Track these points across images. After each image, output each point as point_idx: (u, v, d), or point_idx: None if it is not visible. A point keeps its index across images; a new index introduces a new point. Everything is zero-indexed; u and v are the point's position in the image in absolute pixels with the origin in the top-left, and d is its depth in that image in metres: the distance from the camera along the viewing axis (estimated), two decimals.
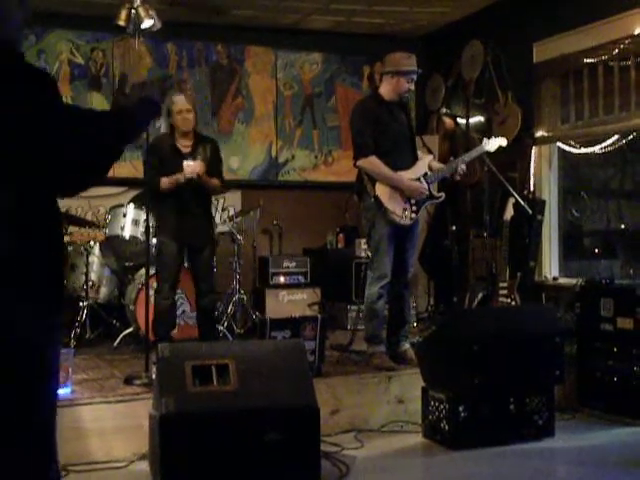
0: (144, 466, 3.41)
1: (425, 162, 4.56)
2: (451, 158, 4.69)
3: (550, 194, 6.05)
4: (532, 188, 6.01)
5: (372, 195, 4.37)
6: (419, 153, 4.65)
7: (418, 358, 4.19)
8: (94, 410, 3.64)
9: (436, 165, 4.60)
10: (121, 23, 5.09)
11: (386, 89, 4.51)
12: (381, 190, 4.37)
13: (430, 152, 4.69)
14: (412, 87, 4.55)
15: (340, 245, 6.87)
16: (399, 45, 7.20)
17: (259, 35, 6.97)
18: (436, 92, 7.16)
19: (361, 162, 4.40)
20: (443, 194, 4.61)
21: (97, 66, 6.59)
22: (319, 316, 4.34)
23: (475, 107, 6.69)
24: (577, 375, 4.52)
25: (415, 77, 4.54)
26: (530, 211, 5.38)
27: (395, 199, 4.39)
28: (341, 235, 6.88)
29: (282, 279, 6.25)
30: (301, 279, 6.28)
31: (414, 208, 4.44)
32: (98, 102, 6.58)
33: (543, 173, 6.07)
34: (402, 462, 3.68)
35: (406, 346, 4.55)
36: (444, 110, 6.95)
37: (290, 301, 6.13)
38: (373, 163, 4.36)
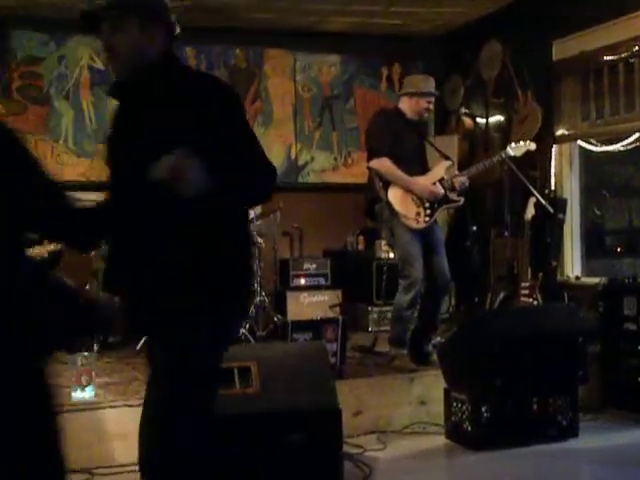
0: None
1: (442, 167, 4.58)
2: (462, 173, 4.69)
3: (571, 193, 6.00)
4: (553, 187, 5.96)
5: (384, 200, 4.38)
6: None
7: (440, 359, 4.18)
8: (117, 413, 3.66)
9: (451, 172, 4.64)
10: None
11: (407, 108, 4.59)
12: (393, 194, 4.39)
13: (448, 158, 4.70)
14: (431, 107, 4.62)
15: (360, 247, 6.86)
16: (417, 46, 7.24)
17: (277, 38, 6.99)
18: (455, 92, 7.13)
19: (373, 163, 4.44)
20: (462, 199, 4.61)
21: None
22: (340, 318, 4.35)
23: (494, 107, 6.65)
24: (601, 375, 4.49)
25: (433, 99, 4.62)
26: (551, 210, 5.34)
27: (407, 203, 4.40)
28: (361, 237, 6.87)
29: (303, 281, 6.25)
30: (322, 281, 6.28)
31: (428, 212, 4.45)
32: None
33: (564, 172, 6.03)
34: (425, 463, 3.67)
35: (429, 348, 4.55)
36: (463, 110, 6.93)
37: (311, 303, 6.12)
38: (385, 164, 4.39)
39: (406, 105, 4.58)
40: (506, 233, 5.57)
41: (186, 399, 2.10)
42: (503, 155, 4.74)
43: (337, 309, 6.06)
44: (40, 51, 6.44)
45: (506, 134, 6.35)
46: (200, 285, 2.06)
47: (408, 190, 4.42)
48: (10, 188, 1.86)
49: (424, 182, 4.47)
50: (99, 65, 6.59)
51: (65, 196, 1.99)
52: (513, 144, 4.77)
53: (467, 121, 6.99)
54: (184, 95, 2.07)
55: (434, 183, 4.49)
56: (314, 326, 4.13)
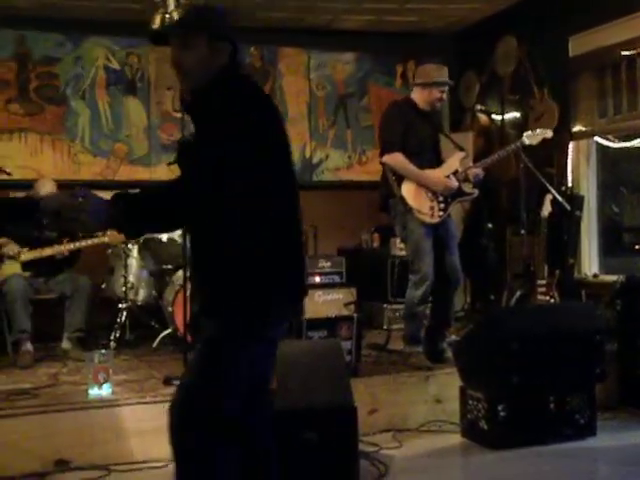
0: None
1: (456, 159, 4.55)
2: (476, 165, 4.66)
3: (589, 189, 5.96)
4: (570, 184, 5.93)
5: (398, 195, 4.37)
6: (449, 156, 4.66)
7: (455, 357, 4.16)
8: (134, 410, 3.68)
9: (465, 164, 4.61)
10: (156, 28, 5.14)
11: (420, 99, 4.55)
12: (406, 189, 4.37)
13: (462, 149, 4.67)
14: (444, 97, 4.56)
15: (375, 244, 6.86)
16: (432, 43, 7.21)
17: (292, 36, 6.99)
18: (470, 89, 7.10)
19: (386, 158, 4.42)
20: (476, 191, 4.58)
21: (133, 71, 6.67)
22: (355, 316, 4.34)
23: (510, 103, 6.62)
24: (618, 373, 4.45)
25: (447, 88, 4.56)
26: (568, 207, 5.31)
27: (421, 197, 4.38)
28: (376, 234, 6.86)
29: (317, 279, 6.22)
30: (337, 279, 6.25)
31: (442, 205, 4.43)
32: (134, 107, 6.67)
33: (581, 168, 5.99)
34: (441, 462, 3.66)
35: (444, 345, 4.53)
36: (479, 107, 6.89)
37: (326, 301, 6.10)
38: (398, 159, 4.37)
39: (418, 95, 4.54)
40: (522, 230, 5.52)
41: (198, 389, 2.18)
42: (518, 144, 4.70)
43: (352, 307, 6.06)
44: (56, 52, 6.48)
45: (522, 131, 6.30)
46: (206, 283, 2.21)
47: (421, 184, 4.40)
48: None
49: (437, 175, 4.45)
50: (115, 65, 6.63)
51: None
52: (529, 132, 4.72)
53: (482, 118, 6.96)
54: (227, 110, 2.12)
55: (448, 176, 4.47)
56: (329, 324, 4.13)
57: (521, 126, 6.38)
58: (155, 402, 3.73)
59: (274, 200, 2.19)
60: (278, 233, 2.20)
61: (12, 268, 4.97)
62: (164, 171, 6.63)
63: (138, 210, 2.09)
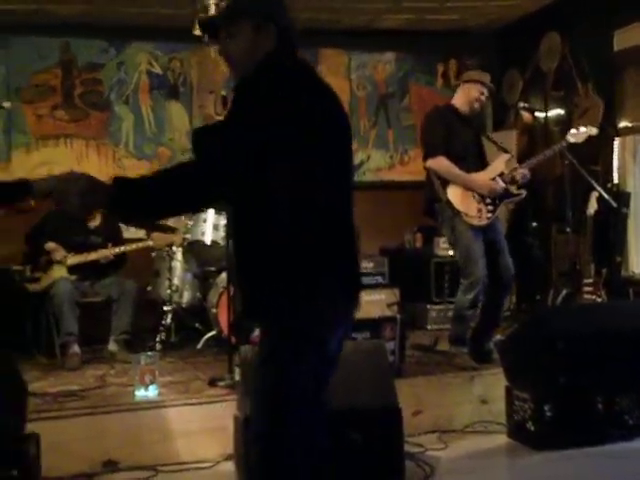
0: (230, 466, 3.47)
1: (501, 161, 4.52)
2: (522, 165, 4.62)
3: (635, 186, 5.85)
4: (616, 180, 5.83)
5: (444, 199, 4.34)
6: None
7: (501, 357, 4.12)
8: (180, 412, 3.72)
9: (511, 165, 4.57)
10: (197, 33, 5.20)
11: (460, 100, 4.55)
12: (453, 193, 4.35)
13: (506, 151, 4.63)
14: (483, 99, 4.55)
15: (418, 244, 6.82)
16: (473, 41, 7.15)
17: (332, 38, 6.99)
18: (513, 87, 7.02)
19: (430, 162, 4.40)
20: (524, 192, 4.54)
21: (175, 75, 6.76)
22: (398, 316, 4.33)
23: (554, 100, 6.53)
24: None
25: (487, 92, 4.55)
26: (614, 204, 5.21)
27: (468, 200, 4.36)
28: (419, 234, 6.83)
29: None
30: (379, 279, 6.23)
31: (490, 207, 4.39)
32: (176, 110, 6.75)
33: (627, 165, 5.88)
34: (487, 463, 3.63)
35: (491, 346, 4.49)
36: (522, 104, 6.81)
37: (369, 302, 6.06)
38: (442, 163, 4.35)
39: (459, 96, 4.56)
40: (568, 229, 5.43)
41: (260, 388, 2.11)
42: (564, 143, 4.66)
43: (395, 308, 6.03)
44: (100, 58, 6.59)
45: (566, 128, 6.22)
46: (252, 271, 2.09)
47: (467, 187, 4.38)
48: None
49: (483, 178, 4.42)
50: (157, 70, 6.72)
51: None
52: (573, 130, 4.68)
53: (526, 115, 6.88)
54: (271, 94, 2.06)
55: (493, 178, 4.44)
56: (372, 325, 4.11)
57: (565, 123, 6.30)
58: (201, 403, 3.77)
59: (323, 187, 2.08)
60: (327, 221, 2.10)
61: (59, 272, 5.07)
62: None
63: (141, 192, 1.99)
